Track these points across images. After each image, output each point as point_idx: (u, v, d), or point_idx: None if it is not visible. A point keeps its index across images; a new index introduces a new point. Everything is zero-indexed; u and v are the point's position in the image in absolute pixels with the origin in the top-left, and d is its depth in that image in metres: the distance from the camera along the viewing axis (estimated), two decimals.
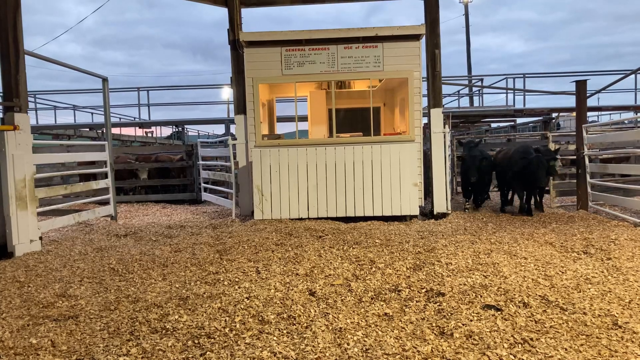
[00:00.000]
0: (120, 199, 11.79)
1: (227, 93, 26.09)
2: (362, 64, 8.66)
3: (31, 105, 19.27)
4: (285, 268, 4.99)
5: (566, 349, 2.94)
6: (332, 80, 8.86)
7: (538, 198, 8.86)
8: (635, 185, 8.75)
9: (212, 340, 3.20)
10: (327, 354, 2.94)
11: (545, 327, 3.28)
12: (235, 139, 9.32)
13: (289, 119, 16.28)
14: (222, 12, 9.70)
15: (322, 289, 4.23)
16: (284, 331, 3.32)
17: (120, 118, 23.50)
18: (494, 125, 22.93)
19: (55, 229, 7.92)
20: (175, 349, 3.08)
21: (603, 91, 15.33)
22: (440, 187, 8.59)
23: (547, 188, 9.22)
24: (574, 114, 11.73)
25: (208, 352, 2.99)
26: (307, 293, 4.15)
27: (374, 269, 4.86)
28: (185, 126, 24.78)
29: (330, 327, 3.35)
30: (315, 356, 2.92)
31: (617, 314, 3.47)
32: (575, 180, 8.83)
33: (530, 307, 3.66)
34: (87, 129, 20.25)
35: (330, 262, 5.15)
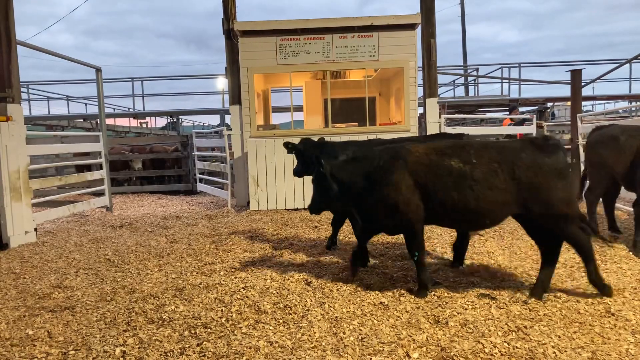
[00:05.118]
0: (116, 189, 11.74)
1: (221, 83, 25.84)
2: (358, 53, 8.61)
3: (24, 95, 19.07)
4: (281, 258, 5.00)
5: (559, 337, 2.97)
6: (328, 70, 8.81)
7: None
8: None
9: (209, 330, 3.21)
10: (323, 343, 2.96)
11: (539, 315, 3.31)
12: (231, 130, 9.28)
13: (285, 109, 16.22)
14: (215, 2, 9.63)
15: (317, 278, 4.25)
16: (280, 321, 3.34)
17: (114, 109, 23.28)
18: (489, 115, 22.93)
19: (50, 220, 7.89)
20: (171, 339, 3.09)
21: (598, 80, 15.35)
22: None
23: None
24: (569, 103, 11.75)
25: (205, 342, 3.00)
26: (303, 282, 4.17)
27: (369, 257, 4.87)
28: (180, 117, 24.61)
29: (326, 317, 3.37)
30: (312, 345, 2.94)
31: (610, 301, 3.51)
32: None
33: (524, 295, 3.69)
34: (81, 120, 20.05)
35: (326, 252, 5.16)
